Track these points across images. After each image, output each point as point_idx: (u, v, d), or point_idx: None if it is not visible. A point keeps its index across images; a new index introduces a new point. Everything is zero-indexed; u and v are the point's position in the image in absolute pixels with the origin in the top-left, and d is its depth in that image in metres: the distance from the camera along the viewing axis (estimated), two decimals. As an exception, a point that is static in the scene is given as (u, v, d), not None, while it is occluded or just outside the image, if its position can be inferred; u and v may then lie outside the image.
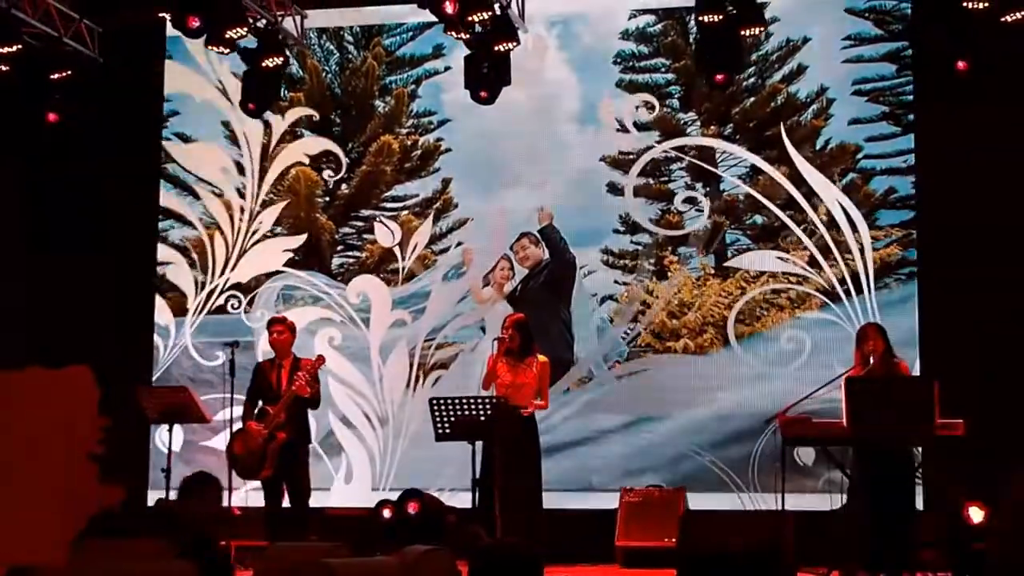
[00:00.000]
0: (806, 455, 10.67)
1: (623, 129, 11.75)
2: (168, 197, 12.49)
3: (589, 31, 12.00)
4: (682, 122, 11.70)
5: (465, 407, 9.64)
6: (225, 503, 10.22)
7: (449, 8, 9.90)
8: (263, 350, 11.13)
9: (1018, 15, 9.64)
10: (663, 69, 11.80)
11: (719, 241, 11.47)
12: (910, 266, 11.05)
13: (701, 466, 11.11)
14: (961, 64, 9.95)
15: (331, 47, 12.51)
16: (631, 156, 11.69)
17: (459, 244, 11.98)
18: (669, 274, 11.50)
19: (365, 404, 11.85)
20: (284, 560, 6.35)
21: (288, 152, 12.35)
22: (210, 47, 10.71)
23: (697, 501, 10.57)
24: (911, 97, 11.23)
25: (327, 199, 12.28)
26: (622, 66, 11.85)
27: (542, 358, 9.65)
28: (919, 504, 9.32)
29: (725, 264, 11.43)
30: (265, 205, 12.31)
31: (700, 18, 10.13)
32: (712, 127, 11.62)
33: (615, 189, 11.71)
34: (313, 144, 12.36)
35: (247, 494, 10.75)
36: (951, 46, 9.97)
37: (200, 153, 12.48)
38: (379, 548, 8.55)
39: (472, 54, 10.66)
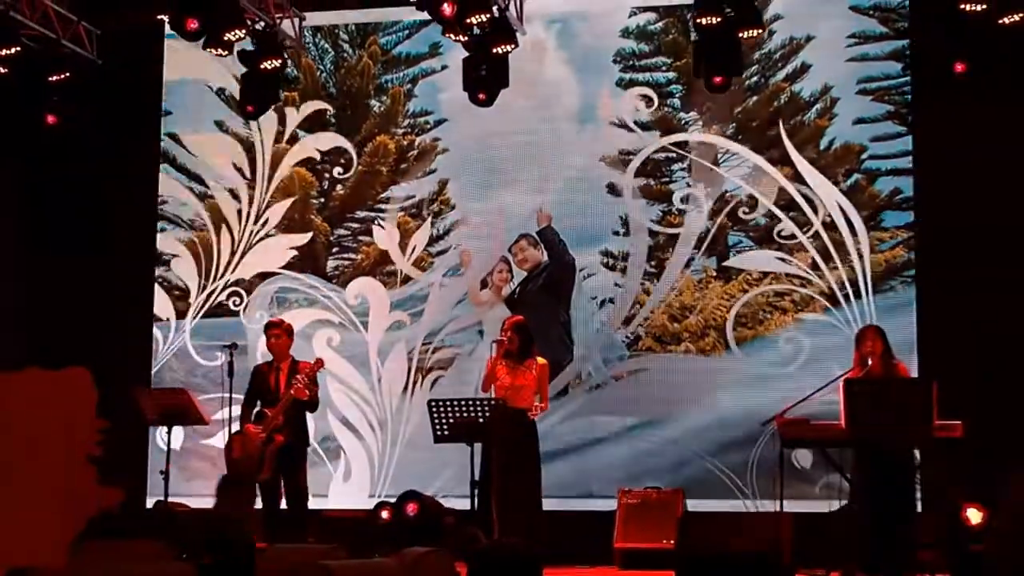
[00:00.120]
0: (804, 459, 10.63)
1: (623, 129, 11.66)
2: (175, 188, 12.40)
3: (588, 29, 11.88)
4: (683, 121, 11.60)
5: (464, 409, 9.66)
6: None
7: (447, 10, 9.90)
8: (260, 352, 11.12)
9: (1016, 17, 9.66)
10: (664, 68, 11.69)
11: (720, 243, 11.39)
12: (914, 268, 10.98)
13: (702, 471, 11.03)
14: (959, 66, 9.96)
15: (326, 45, 12.40)
16: (631, 156, 11.60)
17: (457, 246, 11.89)
18: (670, 276, 11.39)
19: (363, 405, 11.83)
20: (282, 562, 6.34)
21: (301, 147, 12.25)
22: (208, 49, 10.70)
23: (697, 507, 10.51)
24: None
25: (322, 200, 12.23)
26: (622, 65, 11.74)
27: (541, 360, 9.64)
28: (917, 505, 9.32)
29: (725, 264, 11.34)
30: (272, 202, 12.24)
31: (698, 20, 10.11)
32: (714, 127, 11.52)
33: (615, 190, 11.62)
34: (324, 140, 12.24)
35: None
36: (949, 48, 9.98)
37: (210, 145, 12.39)
38: (377, 550, 8.55)
39: (470, 56, 10.66)
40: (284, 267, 12.14)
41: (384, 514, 10.53)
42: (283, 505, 9.84)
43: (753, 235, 11.36)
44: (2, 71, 10.86)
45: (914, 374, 10.06)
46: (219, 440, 10.99)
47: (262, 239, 12.22)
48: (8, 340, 11.71)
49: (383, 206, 12.08)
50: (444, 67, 12.00)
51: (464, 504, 9.81)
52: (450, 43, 11.11)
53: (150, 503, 11.36)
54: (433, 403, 9.92)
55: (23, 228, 12.39)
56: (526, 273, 11.73)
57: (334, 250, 12.15)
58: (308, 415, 10.02)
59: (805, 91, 11.42)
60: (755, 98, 11.49)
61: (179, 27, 10.28)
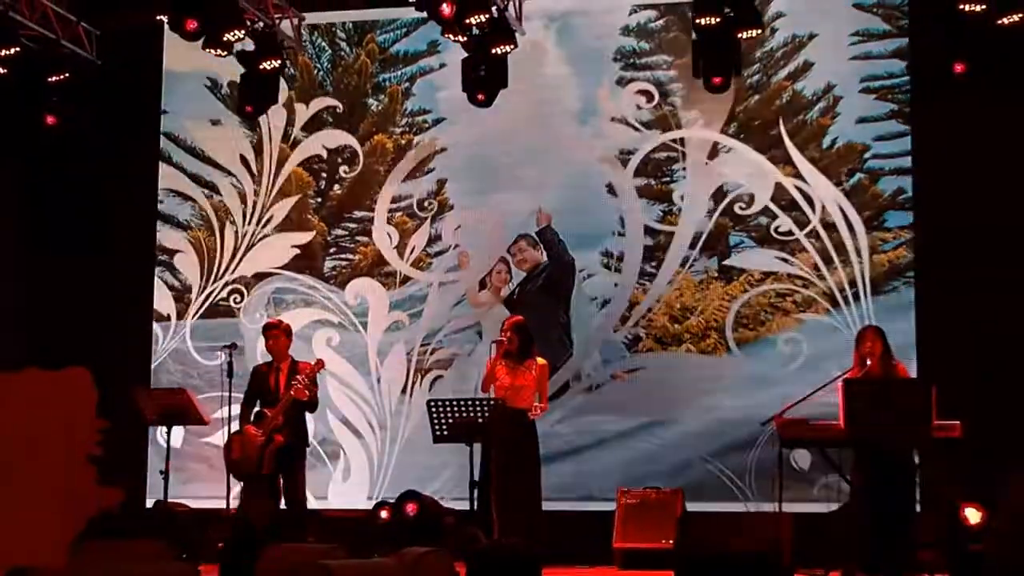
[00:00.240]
0: (802, 460, 10.60)
1: (624, 127, 11.58)
2: (176, 184, 12.36)
3: (588, 27, 11.79)
4: (684, 120, 11.50)
5: (463, 409, 9.67)
6: (229, 504, 10.26)
7: (446, 10, 9.90)
8: (260, 352, 11.10)
9: (1015, 17, 9.66)
10: (665, 66, 11.59)
11: (722, 243, 11.32)
12: (914, 268, 10.93)
13: (703, 474, 10.97)
14: (959, 67, 9.97)
15: (323, 44, 12.33)
16: (631, 156, 11.53)
17: (455, 246, 11.83)
18: (671, 277, 11.34)
19: (363, 406, 11.81)
20: (282, 562, 6.35)
21: (308, 143, 12.18)
22: (207, 50, 10.70)
23: (697, 509, 10.44)
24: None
25: (319, 200, 12.19)
26: (623, 63, 11.66)
27: (541, 360, 9.63)
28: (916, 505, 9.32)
29: (726, 263, 11.27)
30: (277, 199, 12.18)
31: (697, 20, 10.10)
32: (715, 125, 11.40)
33: (615, 190, 11.54)
34: (332, 137, 12.18)
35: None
36: (948, 48, 9.98)
37: (214, 142, 12.33)
38: (376, 550, 8.56)
39: (469, 57, 10.65)
40: (284, 267, 12.11)
41: (383, 514, 10.53)
42: (282, 505, 9.85)
43: (754, 235, 11.29)
44: (1, 71, 10.86)
45: (913, 374, 10.06)
46: (217, 439, 10.98)
47: (264, 237, 12.18)
48: (8, 340, 11.72)
49: (380, 207, 12.01)
50: (442, 65, 11.92)
51: (463, 504, 9.82)
52: (448, 41, 11.04)
53: (150, 503, 11.35)
54: (432, 403, 9.92)
55: (23, 228, 12.40)
56: (525, 274, 11.66)
57: (331, 250, 12.10)
58: (308, 415, 10.03)
59: (807, 90, 11.33)
60: (757, 97, 11.41)
61: (178, 27, 10.28)
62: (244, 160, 12.32)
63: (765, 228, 11.25)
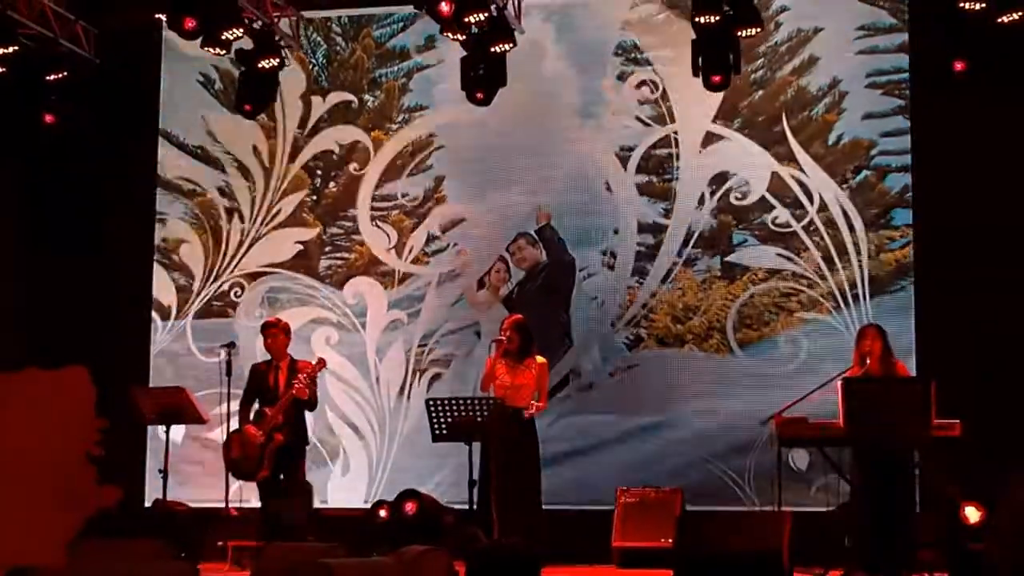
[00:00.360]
0: (800, 461, 10.57)
1: (625, 124, 11.49)
2: (191, 170, 12.29)
3: (589, 22, 11.67)
4: (685, 114, 11.36)
5: (462, 408, 9.67)
6: (228, 504, 10.27)
7: (445, 8, 9.89)
8: (259, 350, 11.08)
9: (1015, 15, 9.66)
10: (665, 61, 11.42)
11: (724, 242, 11.23)
12: (914, 268, 10.87)
13: (702, 474, 10.90)
14: (959, 65, 9.96)
15: (318, 38, 12.22)
16: (632, 152, 11.43)
17: (454, 245, 11.77)
18: (673, 277, 11.27)
19: (362, 404, 11.80)
20: (281, 560, 6.35)
21: (321, 139, 12.09)
22: (206, 48, 10.70)
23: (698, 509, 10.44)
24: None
25: (314, 198, 12.10)
26: (623, 58, 11.56)
27: (541, 359, 9.61)
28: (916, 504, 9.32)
29: (728, 259, 11.17)
30: (286, 193, 12.11)
31: (696, 19, 10.09)
32: (719, 122, 11.31)
33: (616, 187, 11.44)
34: (345, 133, 12.08)
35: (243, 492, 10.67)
36: (948, 47, 9.97)
37: (233, 130, 12.20)
38: (376, 548, 8.56)
39: (468, 56, 10.64)
40: (279, 265, 12.04)
41: (382, 513, 10.52)
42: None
43: (758, 234, 11.20)
44: (0, 70, 10.86)
45: (913, 373, 10.06)
46: (216, 435, 10.95)
47: (263, 235, 12.13)
48: (8, 340, 11.71)
49: (377, 204, 11.95)
50: (440, 61, 11.81)
51: (461, 503, 9.81)
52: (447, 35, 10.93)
53: (148, 502, 11.35)
54: (431, 402, 9.92)
55: (23, 228, 12.38)
56: (524, 273, 11.60)
57: (327, 249, 12.04)
58: (307, 414, 10.02)
59: (812, 85, 11.23)
60: (761, 92, 11.30)
61: (176, 26, 10.28)
62: (279, 142, 12.15)
63: (768, 227, 11.13)
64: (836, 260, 11.02)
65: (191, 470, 11.71)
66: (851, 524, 8.54)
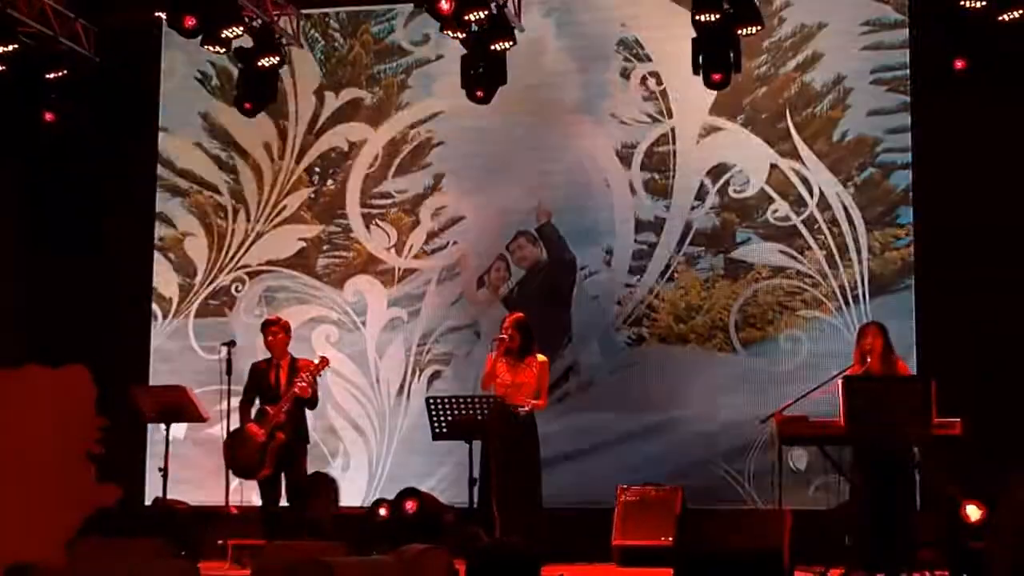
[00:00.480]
0: (799, 461, 10.53)
1: (626, 121, 11.41)
2: (198, 163, 12.26)
3: (590, 17, 11.59)
4: (684, 108, 11.28)
5: (462, 407, 9.66)
6: (228, 502, 10.27)
7: (445, 6, 9.89)
8: (259, 349, 11.06)
9: (1015, 14, 9.66)
10: (665, 58, 11.29)
11: (727, 240, 11.16)
12: (914, 267, 10.82)
13: (704, 473, 10.85)
14: (959, 63, 9.95)
15: (316, 35, 12.14)
16: (634, 150, 11.36)
17: (453, 243, 11.72)
18: (675, 275, 11.22)
19: (363, 402, 11.78)
20: (282, 559, 6.35)
21: (331, 136, 12.02)
22: (206, 46, 10.70)
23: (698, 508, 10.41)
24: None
25: (312, 197, 12.05)
26: (625, 54, 11.50)
27: (541, 358, 9.57)
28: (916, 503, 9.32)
29: (731, 255, 11.10)
30: (293, 189, 12.06)
31: (696, 17, 10.08)
32: (722, 118, 11.23)
33: (617, 185, 11.37)
34: (355, 131, 12.01)
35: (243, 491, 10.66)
36: (949, 45, 9.97)
37: (247, 124, 12.02)
38: (376, 547, 8.56)
39: (468, 54, 10.63)
40: (280, 263, 12.01)
41: (382, 511, 10.52)
42: (283, 502, 9.83)
43: (761, 232, 11.14)
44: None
45: (914, 372, 10.05)
46: (216, 431, 10.93)
47: (264, 232, 12.11)
48: (8, 340, 11.71)
49: (376, 202, 11.93)
50: (439, 56, 11.74)
51: (461, 502, 9.81)
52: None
53: (148, 500, 11.34)
54: (431, 400, 9.91)
55: (23, 228, 12.38)
56: (525, 271, 11.56)
57: (325, 248, 12.00)
58: (308, 412, 10.02)
59: (817, 81, 11.15)
60: (764, 88, 11.23)
61: (176, 24, 10.29)
62: (289, 138, 12.12)
63: (772, 225, 11.07)
64: (838, 259, 10.99)
65: (191, 469, 11.69)
66: (851, 523, 8.53)
